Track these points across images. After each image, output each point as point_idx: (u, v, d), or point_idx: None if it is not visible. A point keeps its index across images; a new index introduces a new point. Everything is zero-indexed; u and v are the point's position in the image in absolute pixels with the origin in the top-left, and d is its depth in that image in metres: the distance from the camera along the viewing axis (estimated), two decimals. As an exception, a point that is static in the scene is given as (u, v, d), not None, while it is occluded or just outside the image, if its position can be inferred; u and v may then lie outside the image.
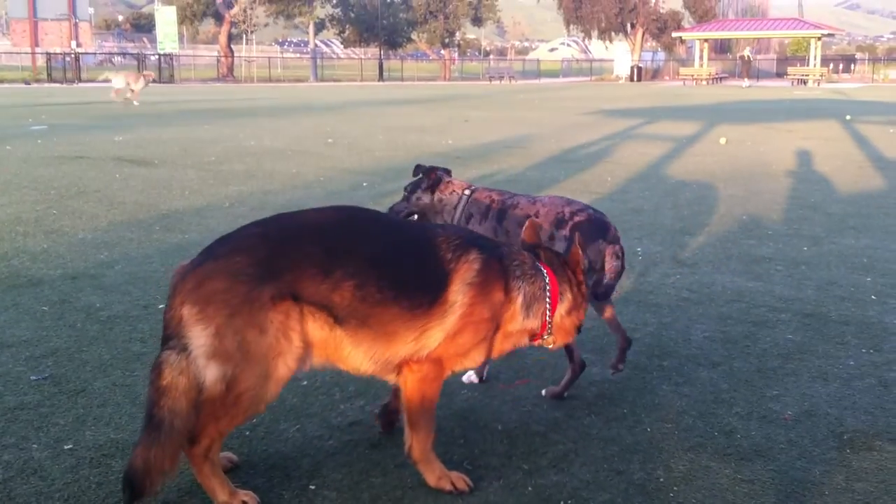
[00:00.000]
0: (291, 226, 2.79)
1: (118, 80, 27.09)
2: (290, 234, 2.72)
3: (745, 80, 60.60)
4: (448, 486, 2.86)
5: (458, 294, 2.74)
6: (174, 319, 2.57)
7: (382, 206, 4.66)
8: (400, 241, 2.84)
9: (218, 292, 2.52)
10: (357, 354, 2.72)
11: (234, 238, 2.69)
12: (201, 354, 2.52)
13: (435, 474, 2.88)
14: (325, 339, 2.65)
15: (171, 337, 2.59)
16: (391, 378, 2.86)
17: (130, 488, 2.51)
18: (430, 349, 2.75)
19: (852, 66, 79.39)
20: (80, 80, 49.94)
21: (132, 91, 26.02)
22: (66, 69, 51.35)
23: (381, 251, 2.75)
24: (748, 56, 66.21)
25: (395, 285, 2.69)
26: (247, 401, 2.61)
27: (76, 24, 54.97)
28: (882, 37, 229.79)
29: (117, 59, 73.41)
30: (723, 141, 15.26)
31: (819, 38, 64.56)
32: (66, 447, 3.14)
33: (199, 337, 2.52)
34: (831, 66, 70.75)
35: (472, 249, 2.81)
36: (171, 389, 2.54)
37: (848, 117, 22.14)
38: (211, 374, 2.53)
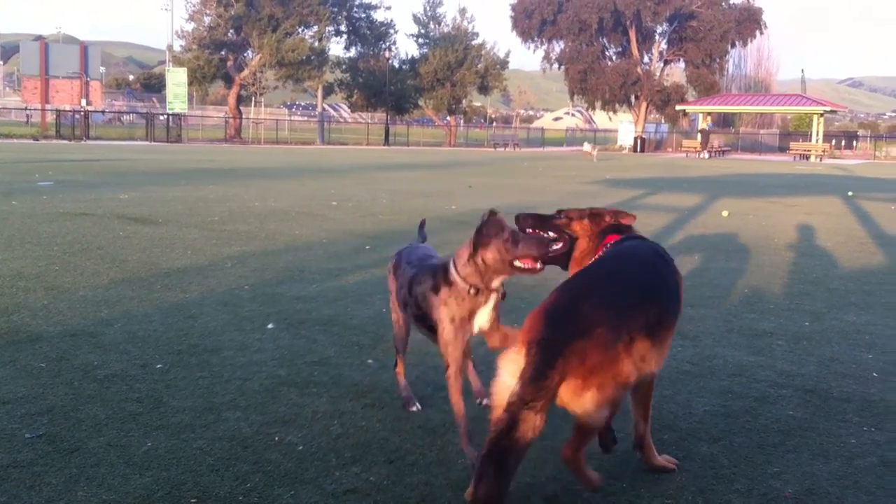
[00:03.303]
0: None
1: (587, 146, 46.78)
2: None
3: (703, 152, 60.76)
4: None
5: None
6: None
7: (384, 270, 4.67)
8: None
9: None
10: None
11: None
12: None
13: None
14: None
15: None
16: None
17: None
18: None
19: (854, 142, 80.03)
20: (88, 138, 50.46)
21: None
22: (74, 126, 51.91)
23: None
24: (707, 129, 66.71)
25: None
26: None
27: (87, 83, 55.69)
28: (884, 115, 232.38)
29: (126, 117, 74.26)
30: (725, 214, 15.33)
31: (822, 115, 65.31)
32: (56, 508, 3.10)
33: None
34: (833, 142, 71.36)
35: None
36: None
37: (850, 193, 22.26)
38: None
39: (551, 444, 3.65)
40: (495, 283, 3.58)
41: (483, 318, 3.62)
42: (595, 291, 3.13)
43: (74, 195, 14.73)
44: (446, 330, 3.61)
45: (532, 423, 2.83)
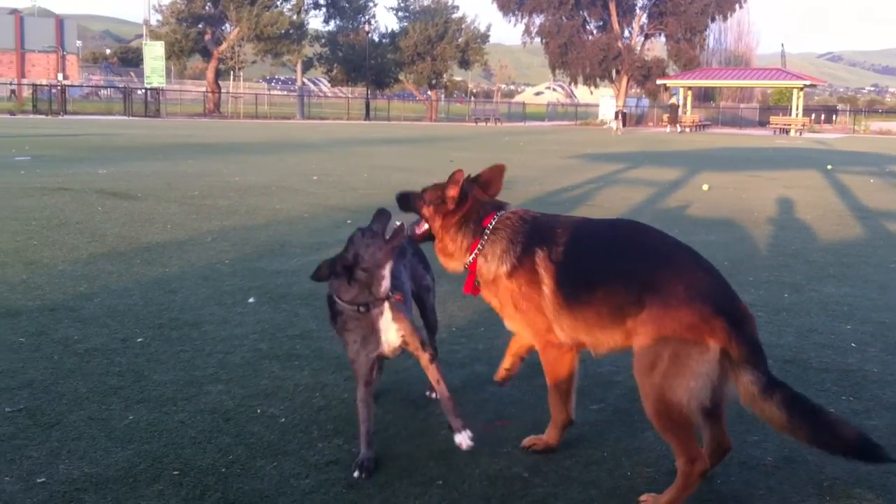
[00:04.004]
0: None
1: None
2: None
3: (671, 126, 60.77)
4: None
5: None
6: None
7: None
8: None
9: None
10: None
11: None
12: None
13: None
14: None
15: None
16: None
17: None
18: None
19: (834, 116, 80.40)
20: (65, 113, 50.01)
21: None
22: (51, 101, 51.41)
23: None
24: (676, 103, 66.80)
25: None
26: None
27: (63, 57, 55.17)
28: (863, 89, 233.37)
29: (103, 92, 73.57)
30: (705, 187, 15.38)
31: (801, 89, 65.45)
32: (38, 480, 3.10)
33: None
34: (813, 116, 71.63)
35: None
36: None
37: (829, 167, 22.38)
38: None
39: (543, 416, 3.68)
40: (382, 287, 3.36)
41: (386, 331, 3.40)
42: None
43: (52, 170, 14.60)
44: (350, 350, 3.46)
45: None
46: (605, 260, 3.25)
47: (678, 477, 3.02)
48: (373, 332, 3.36)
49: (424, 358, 3.46)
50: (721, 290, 3.04)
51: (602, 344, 3.26)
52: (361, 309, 3.33)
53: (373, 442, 3.36)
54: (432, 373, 3.47)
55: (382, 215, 3.41)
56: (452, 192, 3.47)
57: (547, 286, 3.27)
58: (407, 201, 3.65)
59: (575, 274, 3.26)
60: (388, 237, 3.34)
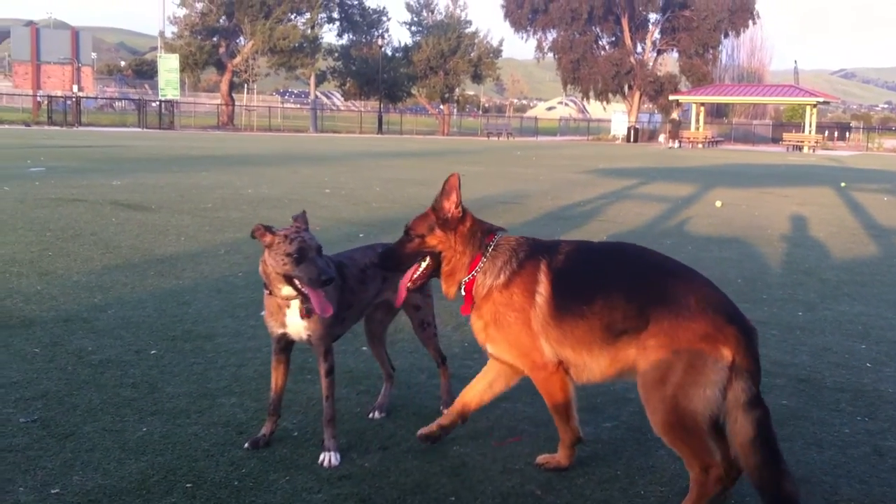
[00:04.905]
0: None
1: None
2: None
3: (671, 141, 60.70)
4: None
5: None
6: None
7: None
8: None
9: None
10: None
11: None
12: None
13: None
14: None
15: None
16: None
17: None
18: None
19: (847, 133, 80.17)
20: (80, 124, 50.29)
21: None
22: (66, 112, 51.72)
23: None
24: (678, 118, 66.85)
25: None
26: None
27: (78, 69, 55.44)
28: (876, 106, 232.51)
29: (118, 103, 73.98)
30: (718, 204, 15.35)
31: (814, 106, 65.35)
32: (52, 491, 3.10)
33: None
34: (826, 133, 71.44)
35: None
36: None
37: (843, 184, 22.31)
38: None
39: (551, 434, 3.67)
40: (283, 291, 3.43)
41: (292, 321, 3.50)
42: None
43: (66, 181, 14.67)
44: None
45: None
46: (608, 272, 3.27)
47: (693, 487, 3.03)
48: (280, 312, 3.49)
49: (321, 368, 3.57)
50: (728, 301, 3.13)
51: (586, 367, 3.26)
52: (265, 290, 3.49)
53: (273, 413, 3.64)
54: (324, 387, 3.57)
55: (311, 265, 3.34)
56: (455, 198, 3.46)
57: (542, 295, 3.27)
58: (395, 256, 3.51)
59: (574, 283, 3.27)
60: (306, 281, 3.32)
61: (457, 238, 3.44)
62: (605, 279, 3.24)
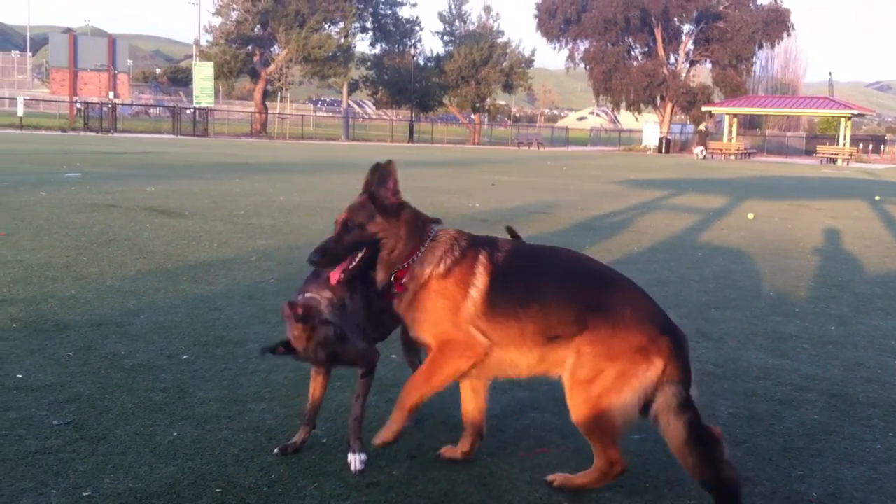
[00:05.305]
0: None
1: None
2: None
3: (699, 148, 60.38)
4: None
5: None
6: None
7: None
8: None
9: None
10: None
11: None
12: None
13: None
14: None
15: None
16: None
17: None
18: None
19: (882, 146, 79.35)
20: (115, 130, 50.90)
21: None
22: (102, 119, 52.39)
23: None
24: (705, 129, 66.58)
25: None
26: None
27: (115, 76, 56.18)
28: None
29: (153, 110, 74.80)
30: (750, 216, 15.24)
31: (849, 118, 64.77)
32: (84, 494, 3.14)
33: None
34: (861, 145, 70.75)
35: None
36: None
37: (877, 198, 22.07)
38: None
39: (578, 444, 3.66)
40: None
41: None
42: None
43: (102, 186, 14.85)
44: None
45: None
46: (546, 276, 3.33)
47: (595, 471, 3.27)
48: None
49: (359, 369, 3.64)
50: (660, 311, 3.29)
51: (512, 363, 3.33)
52: None
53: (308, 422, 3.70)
54: (357, 385, 3.61)
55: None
56: (392, 185, 3.49)
57: (478, 288, 3.28)
58: (335, 250, 3.37)
59: (512, 283, 3.31)
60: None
61: (401, 224, 3.42)
62: (542, 284, 3.30)
